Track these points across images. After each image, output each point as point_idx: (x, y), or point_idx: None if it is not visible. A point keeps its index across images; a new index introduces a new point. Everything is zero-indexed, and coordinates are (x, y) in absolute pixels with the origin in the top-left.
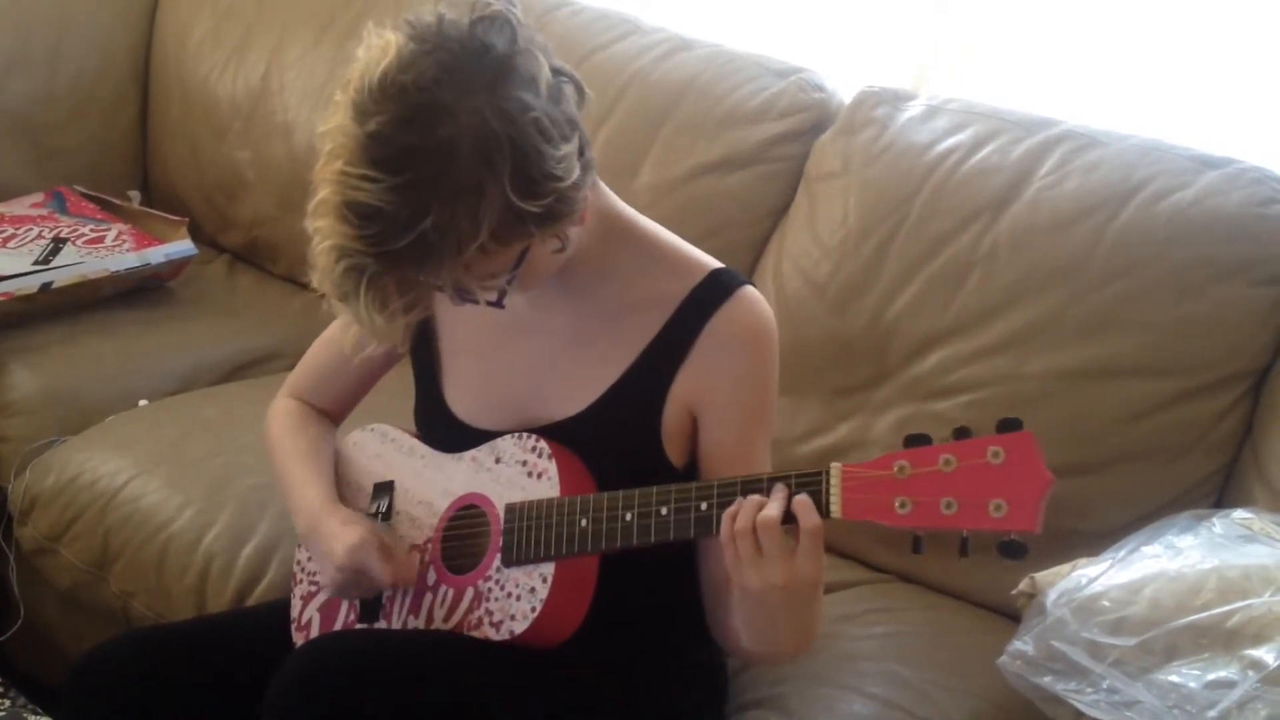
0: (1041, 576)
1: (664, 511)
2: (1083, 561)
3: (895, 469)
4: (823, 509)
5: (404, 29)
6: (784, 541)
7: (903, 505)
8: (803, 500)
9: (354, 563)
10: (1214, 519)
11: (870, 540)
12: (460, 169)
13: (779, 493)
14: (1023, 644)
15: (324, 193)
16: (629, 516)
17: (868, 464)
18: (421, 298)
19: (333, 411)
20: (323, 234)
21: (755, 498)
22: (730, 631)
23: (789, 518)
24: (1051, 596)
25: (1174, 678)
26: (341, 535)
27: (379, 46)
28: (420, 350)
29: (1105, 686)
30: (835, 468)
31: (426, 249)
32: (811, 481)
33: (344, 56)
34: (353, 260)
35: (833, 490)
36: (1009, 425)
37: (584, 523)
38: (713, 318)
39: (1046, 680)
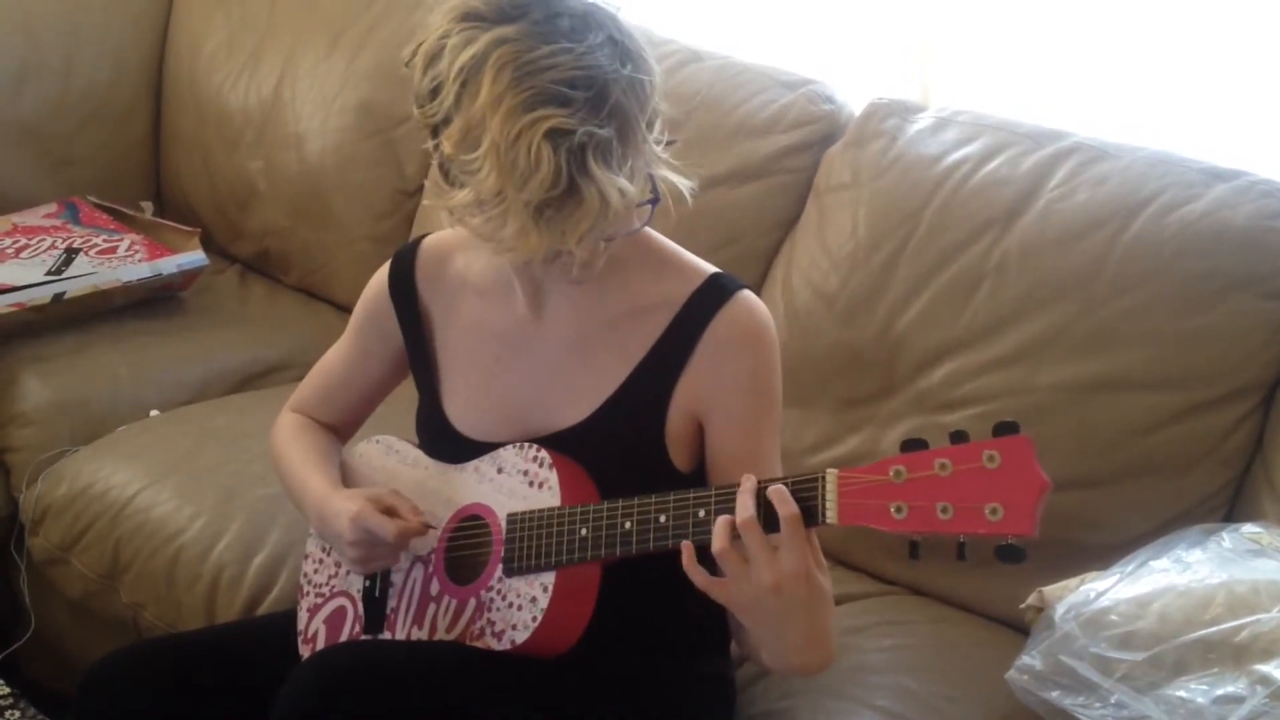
0: (1050, 590)
1: (663, 519)
2: (1091, 575)
3: (891, 474)
4: (819, 515)
5: None
6: (766, 541)
7: (899, 510)
8: (776, 490)
9: (359, 532)
10: (1223, 533)
11: (878, 553)
12: (616, 35)
13: (747, 492)
14: (1031, 658)
15: (506, 105)
16: (628, 525)
17: (864, 469)
18: (639, 166)
19: (338, 428)
20: (528, 136)
21: (725, 516)
22: (750, 649)
23: (774, 525)
24: (1060, 610)
25: (1182, 693)
26: (342, 510)
27: None
28: (419, 365)
29: (1113, 701)
30: (831, 473)
31: (626, 112)
32: (807, 487)
33: (356, 66)
34: (576, 138)
35: (829, 495)
36: (1005, 429)
37: (584, 531)
38: (712, 321)
39: (1054, 695)
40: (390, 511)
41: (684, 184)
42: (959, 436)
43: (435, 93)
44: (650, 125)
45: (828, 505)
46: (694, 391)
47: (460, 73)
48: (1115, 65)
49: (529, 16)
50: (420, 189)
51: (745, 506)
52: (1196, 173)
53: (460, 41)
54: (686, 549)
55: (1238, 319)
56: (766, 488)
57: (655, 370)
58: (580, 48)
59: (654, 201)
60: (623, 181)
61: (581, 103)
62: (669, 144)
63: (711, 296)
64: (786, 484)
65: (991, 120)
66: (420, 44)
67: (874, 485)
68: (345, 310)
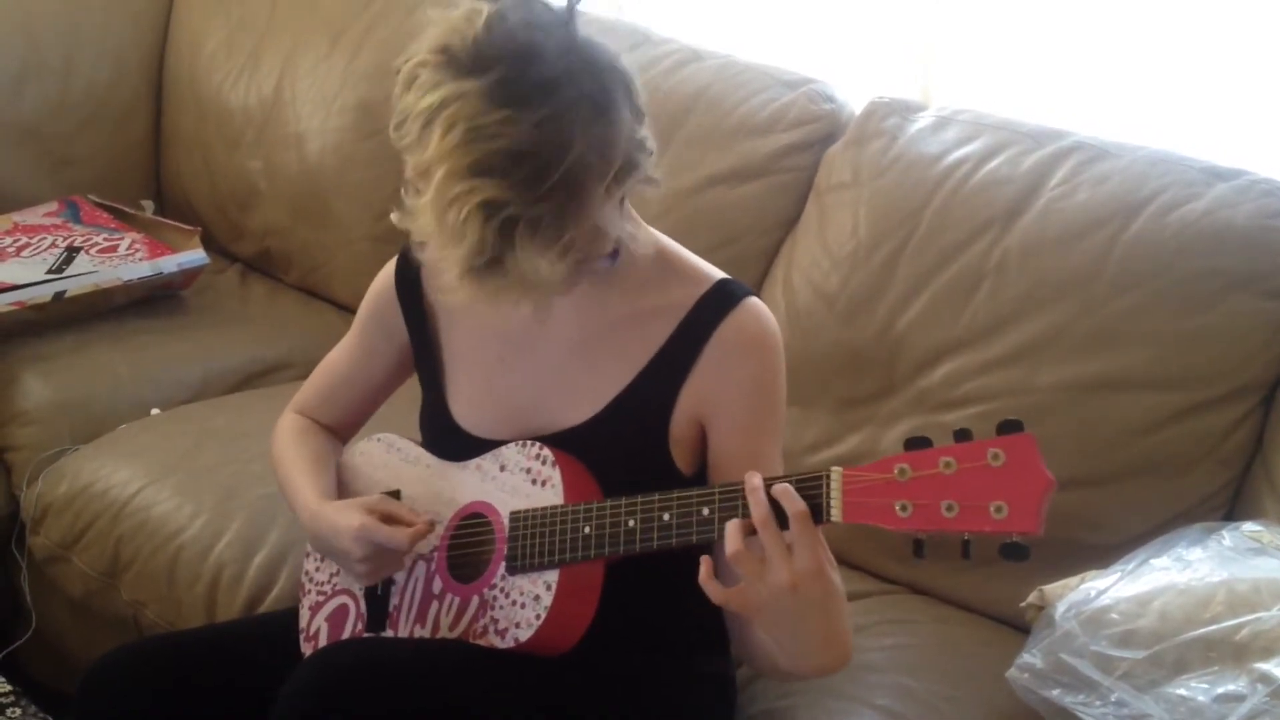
0: (1050, 589)
1: (666, 517)
2: (1092, 574)
3: (896, 472)
4: (824, 513)
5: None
6: (783, 539)
7: (903, 508)
8: (782, 488)
9: (368, 548)
10: (1223, 532)
11: (879, 552)
12: (590, 95)
13: (758, 490)
14: (1031, 657)
15: (448, 166)
16: (631, 523)
17: (868, 467)
18: (578, 236)
19: (339, 429)
20: (462, 202)
21: (734, 521)
22: (761, 656)
23: (782, 524)
24: (1060, 609)
25: (1183, 691)
26: (343, 528)
27: (461, 15)
28: (424, 362)
29: (1114, 699)
30: (836, 471)
31: (575, 183)
32: (812, 485)
33: (356, 66)
34: (507, 212)
35: (833, 494)
36: (1009, 427)
37: (587, 530)
38: (719, 327)
39: (1055, 693)
40: (391, 518)
41: (643, 241)
42: (963, 434)
43: (403, 123)
44: (621, 176)
45: (832, 503)
46: (699, 396)
47: (420, 115)
48: (1115, 65)
49: (496, 70)
50: None
51: (760, 504)
52: (1197, 172)
53: (428, 82)
54: (705, 563)
55: (1238, 318)
56: (771, 486)
57: (660, 374)
58: (541, 112)
59: (613, 256)
60: (550, 259)
61: (523, 176)
62: (649, 181)
63: (718, 302)
64: (791, 482)
65: (992, 119)
66: (406, 61)
67: (878, 483)
68: (345, 309)
